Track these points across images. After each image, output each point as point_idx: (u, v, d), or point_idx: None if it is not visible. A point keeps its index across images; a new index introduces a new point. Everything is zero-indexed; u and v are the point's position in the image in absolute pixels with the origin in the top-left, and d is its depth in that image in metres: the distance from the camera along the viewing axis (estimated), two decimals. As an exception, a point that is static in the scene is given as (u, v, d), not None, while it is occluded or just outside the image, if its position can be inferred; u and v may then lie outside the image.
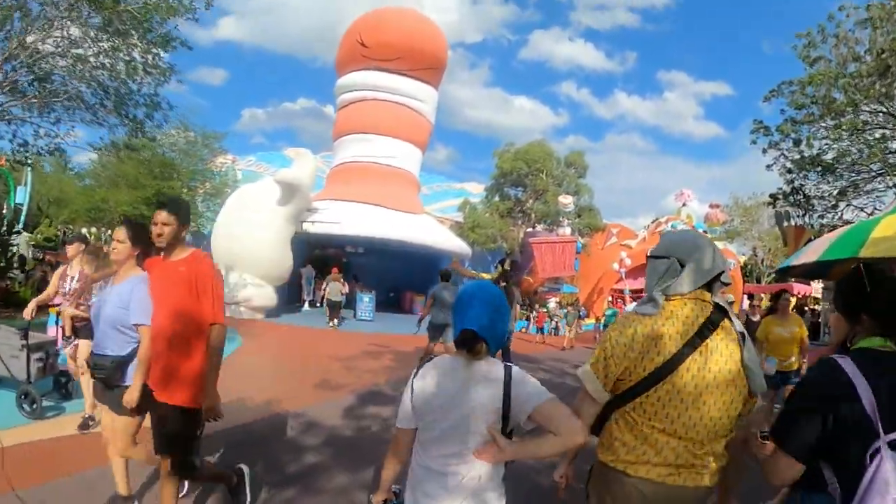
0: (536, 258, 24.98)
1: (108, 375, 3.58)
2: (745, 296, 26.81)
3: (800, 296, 34.56)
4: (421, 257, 22.42)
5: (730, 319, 2.24)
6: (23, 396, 6.03)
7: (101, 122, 12.54)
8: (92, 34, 11.52)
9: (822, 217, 17.37)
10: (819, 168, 16.96)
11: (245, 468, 4.16)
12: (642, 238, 29.45)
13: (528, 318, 23.44)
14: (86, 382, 5.75)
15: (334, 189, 23.19)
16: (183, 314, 3.35)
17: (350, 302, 20.87)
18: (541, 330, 20.23)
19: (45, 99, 11.87)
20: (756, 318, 9.74)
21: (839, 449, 1.92)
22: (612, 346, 2.22)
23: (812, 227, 16.13)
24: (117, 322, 3.58)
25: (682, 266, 2.27)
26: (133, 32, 11.44)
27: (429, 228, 22.91)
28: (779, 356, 7.23)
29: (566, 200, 25.61)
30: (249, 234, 17.23)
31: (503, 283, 10.41)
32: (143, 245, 3.64)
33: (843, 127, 15.79)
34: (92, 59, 11.75)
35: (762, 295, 26.22)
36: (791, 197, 17.54)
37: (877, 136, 16.22)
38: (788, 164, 17.53)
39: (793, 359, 7.32)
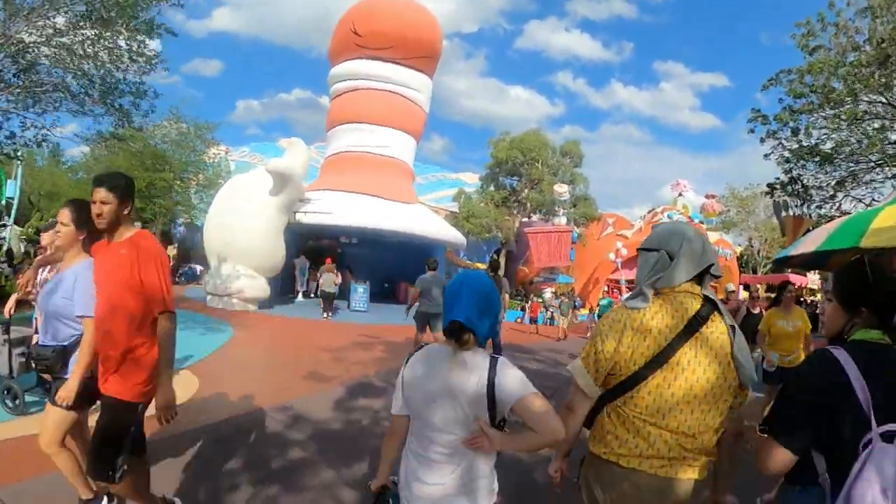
0: (532, 248, 24.87)
1: (50, 366, 3.37)
2: (742, 286, 26.70)
3: (796, 286, 34.55)
4: (415, 247, 22.23)
5: (720, 312, 2.25)
6: (5, 392, 5.87)
7: (87, 113, 12.32)
8: (76, 22, 11.28)
9: (819, 207, 17.26)
10: (817, 158, 16.83)
11: (177, 502, 3.87)
12: (638, 228, 29.37)
13: (523, 309, 23.34)
14: None
15: (328, 179, 23.01)
16: (123, 301, 3.07)
17: (344, 293, 20.75)
18: (534, 320, 20.02)
19: (29, 89, 11.65)
20: (756, 311, 9.54)
21: (833, 441, 1.92)
22: (602, 341, 2.23)
23: (810, 218, 16.00)
24: (61, 313, 3.37)
25: (672, 259, 2.28)
26: (117, 19, 11.20)
27: (423, 218, 22.74)
28: (781, 351, 7.03)
29: (561, 189, 25.47)
30: (241, 225, 17.05)
31: (492, 273, 10.34)
32: (89, 228, 3.32)
33: (843, 116, 15.65)
34: (77, 48, 11.51)
35: (758, 286, 26.14)
36: (789, 187, 17.43)
37: (875, 126, 16.09)
38: (786, 154, 17.40)
39: (795, 355, 7.03)
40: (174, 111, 30.55)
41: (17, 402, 5.78)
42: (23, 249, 19.25)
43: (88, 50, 11.56)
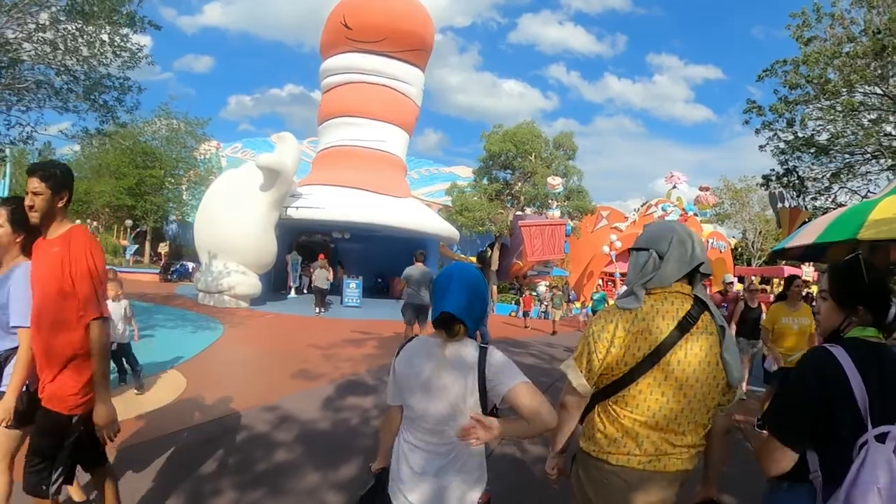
0: (526, 241, 24.72)
1: None
2: (737, 279, 26.63)
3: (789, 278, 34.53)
4: (409, 242, 22.04)
5: (710, 313, 2.26)
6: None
7: (71, 109, 12.09)
8: (57, 16, 11.05)
9: (815, 199, 17.21)
10: (812, 149, 16.76)
11: None
12: (632, 221, 29.32)
13: (517, 303, 23.22)
14: None
15: (319, 174, 22.86)
16: (55, 305, 2.78)
17: (337, 288, 20.61)
18: (526, 314, 19.83)
19: (11, 86, 11.42)
20: (755, 305, 9.36)
21: (828, 438, 1.92)
22: (595, 342, 2.25)
23: (806, 209, 15.92)
24: None
25: (662, 258, 2.30)
26: (99, 13, 10.96)
27: (416, 212, 22.60)
28: (783, 349, 6.68)
29: (555, 182, 25.31)
30: (232, 221, 16.88)
31: (480, 266, 10.27)
32: (26, 227, 2.98)
33: (838, 108, 15.56)
34: (59, 43, 11.28)
35: (752, 277, 26.12)
36: (784, 178, 17.36)
37: (871, 117, 16.01)
38: (781, 145, 17.32)
39: (798, 354, 6.46)
40: (164, 107, 30.42)
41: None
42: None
43: (71, 45, 11.33)
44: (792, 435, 1.97)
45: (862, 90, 15.43)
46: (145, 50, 12.29)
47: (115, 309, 7.12)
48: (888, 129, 16.02)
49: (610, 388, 2.26)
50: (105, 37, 11.50)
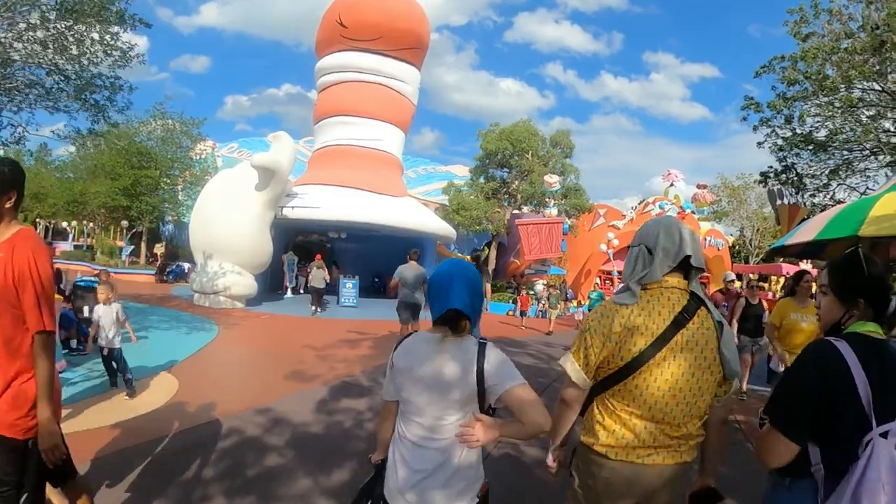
0: (523, 240, 24.60)
1: None
2: (735, 276, 26.56)
3: (788, 275, 34.49)
4: (405, 241, 21.87)
5: (706, 307, 2.29)
6: None
7: (63, 109, 11.94)
8: (46, 14, 10.89)
9: (813, 196, 17.13)
10: (811, 146, 16.67)
11: None
12: (630, 219, 29.22)
13: (514, 301, 23.10)
14: None
15: (315, 173, 22.68)
16: None
17: (333, 288, 20.50)
18: (523, 314, 19.65)
19: (1, 86, 11.28)
20: (755, 302, 9.23)
21: (830, 432, 1.92)
22: (592, 336, 2.31)
23: (805, 206, 15.85)
24: None
25: (651, 253, 2.35)
26: (88, 11, 10.80)
27: (413, 211, 22.43)
28: (790, 346, 6.38)
29: (552, 180, 25.18)
30: (227, 221, 16.74)
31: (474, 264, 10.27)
32: None
33: (836, 104, 15.47)
34: (50, 42, 11.13)
35: (750, 275, 26.04)
36: (783, 175, 17.29)
37: (869, 114, 15.93)
38: (779, 142, 17.24)
39: None
40: (159, 107, 30.28)
41: None
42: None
43: (61, 44, 11.18)
44: (794, 427, 1.96)
45: (860, 86, 15.34)
46: (137, 49, 12.12)
47: (106, 312, 7.00)
48: (887, 125, 15.95)
49: (608, 382, 2.31)
50: (95, 35, 11.35)
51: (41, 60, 11.26)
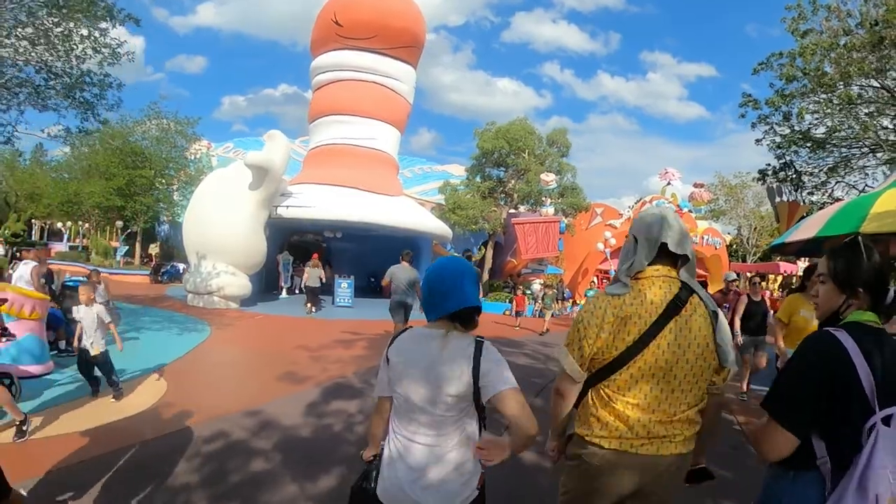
0: (519, 239, 24.45)
1: None
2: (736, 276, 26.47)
3: (786, 274, 34.45)
4: (401, 240, 21.71)
5: (699, 297, 2.31)
6: None
7: (52, 108, 11.77)
8: (35, 11, 10.73)
9: (811, 194, 17.04)
10: (809, 144, 16.57)
11: None
12: (627, 218, 29.01)
13: (511, 301, 22.94)
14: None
15: (310, 172, 22.53)
16: None
17: (329, 288, 20.36)
18: (519, 314, 19.35)
19: None
20: (758, 299, 9.03)
21: (834, 423, 1.88)
22: (585, 327, 2.32)
23: (804, 204, 15.74)
24: None
25: (636, 243, 2.40)
26: (74, 5, 10.64)
27: (409, 211, 22.29)
28: (794, 347, 6.27)
29: (548, 178, 25.01)
30: (221, 221, 16.59)
31: None
32: None
33: (835, 101, 15.36)
34: (39, 38, 10.97)
35: (748, 273, 25.92)
36: (782, 172, 17.19)
37: (868, 111, 15.84)
38: (777, 139, 17.14)
39: None
40: (154, 107, 30.12)
41: None
42: (0, 252, 18.78)
43: (50, 40, 11.03)
44: (794, 419, 1.92)
45: (859, 83, 15.24)
46: (128, 47, 11.97)
47: (87, 314, 6.69)
48: (885, 122, 15.86)
49: (602, 373, 2.32)
50: (84, 31, 11.19)
51: (29, 58, 11.11)
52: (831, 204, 11.94)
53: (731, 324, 8.73)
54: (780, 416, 1.94)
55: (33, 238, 50.44)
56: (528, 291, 23.26)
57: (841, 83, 14.87)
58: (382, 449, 2.38)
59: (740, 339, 8.75)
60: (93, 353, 6.59)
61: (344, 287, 20.31)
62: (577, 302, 23.23)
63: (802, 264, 30.91)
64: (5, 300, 7.01)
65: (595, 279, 28.02)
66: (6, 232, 23.88)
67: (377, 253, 23.72)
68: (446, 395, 2.13)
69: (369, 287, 25.55)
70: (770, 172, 17.59)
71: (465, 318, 2.23)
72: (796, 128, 16.71)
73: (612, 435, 2.27)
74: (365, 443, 2.49)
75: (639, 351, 2.22)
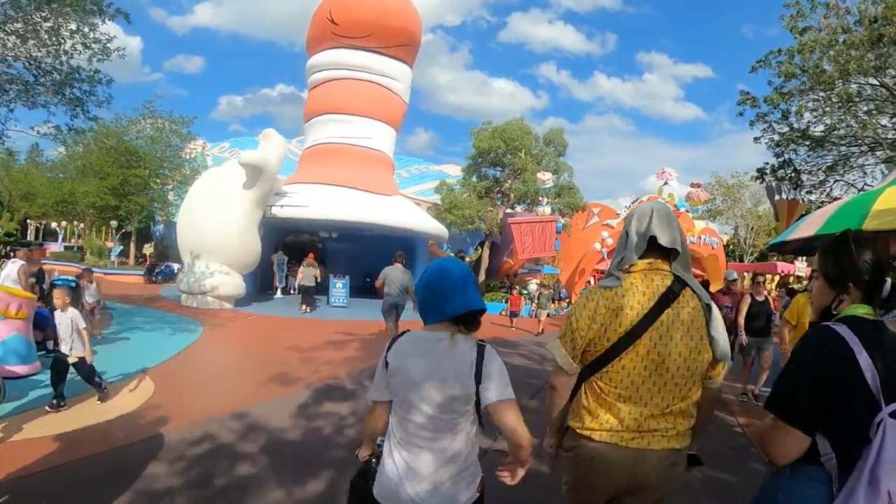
0: (516, 239, 24.29)
1: None
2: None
3: (783, 274, 34.37)
4: (397, 240, 21.57)
5: (692, 289, 2.31)
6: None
7: (41, 104, 11.60)
8: (24, 6, 10.57)
9: (809, 193, 16.94)
10: (808, 142, 16.47)
11: None
12: (624, 217, 28.93)
13: (507, 301, 22.81)
14: None
15: (306, 172, 22.39)
16: None
17: (323, 288, 20.22)
18: (514, 314, 19.11)
19: None
20: (761, 299, 8.73)
21: (837, 419, 1.84)
22: (577, 320, 2.33)
23: (803, 202, 15.64)
24: None
25: (628, 237, 2.42)
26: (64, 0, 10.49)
27: (404, 210, 22.13)
28: None
29: (545, 177, 24.84)
30: (215, 220, 16.44)
31: None
32: None
33: (834, 98, 15.26)
34: (28, 34, 10.81)
35: (745, 273, 25.85)
36: (780, 171, 17.09)
37: (866, 109, 15.74)
38: (776, 137, 17.03)
39: None
40: (149, 106, 29.95)
41: None
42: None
43: (39, 36, 10.86)
44: (801, 415, 1.88)
45: (857, 81, 15.14)
46: (118, 42, 11.79)
47: (62, 320, 6.37)
48: (884, 120, 15.76)
49: (594, 365, 2.32)
50: (73, 25, 11.03)
51: (18, 53, 10.94)
52: (830, 203, 11.84)
53: (735, 324, 8.58)
54: (786, 414, 1.90)
55: (29, 238, 50.33)
56: (525, 292, 23.12)
57: (840, 81, 14.77)
58: (379, 450, 2.40)
59: (744, 339, 8.56)
60: (71, 360, 6.31)
61: (339, 287, 20.15)
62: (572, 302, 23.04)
63: (800, 264, 30.86)
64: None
65: (592, 279, 27.89)
66: (-1, 231, 23.75)
67: (373, 253, 23.53)
68: (449, 400, 2.12)
69: (364, 287, 25.37)
70: (769, 171, 17.49)
71: (470, 320, 2.24)
72: (795, 126, 16.61)
73: (602, 428, 2.28)
74: (355, 445, 2.51)
75: (630, 342, 2.23)
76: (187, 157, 32.40)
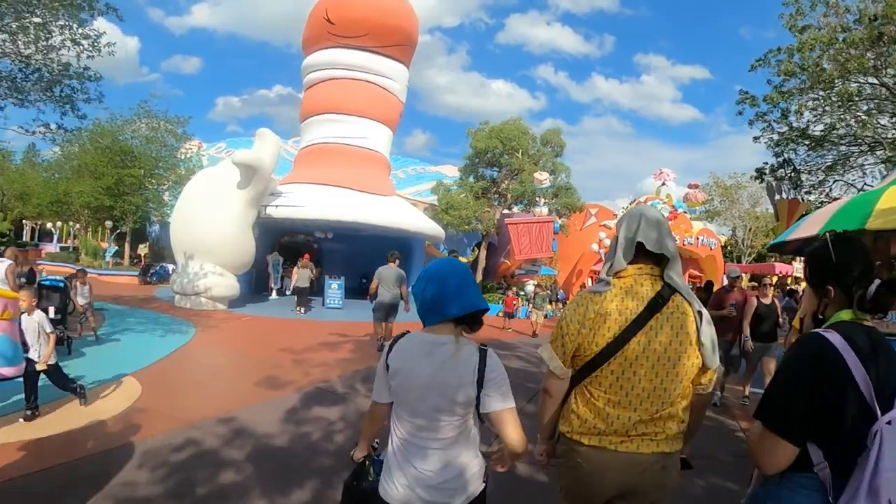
0: (513, 239, 24.13)
1: None
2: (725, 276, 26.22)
3: (781, 275, 34.27)
4: (393, 241, 21.39)
5: (683, 296, 2.29)
6: None
7: (32, 102, 11.42)
8: (14, 3, 10.41)
9: (808, 193, 16.82)
10: (807, 141, 16.35)
11: None
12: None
13: (502, 303, 22.65)
14: None
15: (301, 172, 22.23)
16: None
17: (320, 289, 20.07)
18: (509, 315, 18.87)
19: None
20: (767, 302, 8.56)
21: (832, 427, 1.78)
22: (567, 325, 2.33)
23: (803, 201, 15.51)
24: None
25: (617, 242, 2.42)
26: None
27: (401, 211, 21.97)
28: None
29: (542, 177, 24.70)
30: (209, 220, 16.29)
31: None
32: None
33: (834, 97, 15.13)
34: (17, 30, 10.64)
35: (742, 274, 25.69)
36: (780, 170, 16.98)
37: (865, 108, 15.63)
38: (775, 137, 16.91)
39: None
40: (144, 105, 29.79)
41: None
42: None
43: (28, 34, 10.69)
44: (793, 427, 1.83)
45: (857, 81, 15.02)
46: (107, 38, 11.61)
47: (29, 324, 6.07)
48: (883, 121, 15.64)
49: (584, 370, 2.31)
50: (62, 21, 10.85)
51: (7, 51, 10.77)
52: (829, 203, 11.70)
53: (741, 328, 8.39)
54: (776, 426, 1.85)
55: (24, 239, 50.17)
56: (522, 293, 22.96)
57: (839, 80, 14.64)
58: (375, 451, 2.47)
59: (751, 346, 8.31)
60: (39, 367, 5.97)
61: (334, 288, 19.97)
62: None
63: (799, 265, 30.72)
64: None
65: (589, 280, 27.77)
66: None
67: (368, 254, 23.37)
68: (453, 403, 2.11)
69: (360, 288, 25.23)
70: (768, 171, 17.37)
71: (472, 320, 2.23)
72: (794, 125, 16.50)
73: (591, 432, 2.28)
74: (343, 453, 2.49)
75: (619, 347, 2.22)
76: (183, 157, 32.21)
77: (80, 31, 11.14)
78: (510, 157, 25.90)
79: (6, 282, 7.55)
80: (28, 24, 10.67)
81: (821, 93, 15.47)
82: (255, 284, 21.84)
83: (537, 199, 25.32)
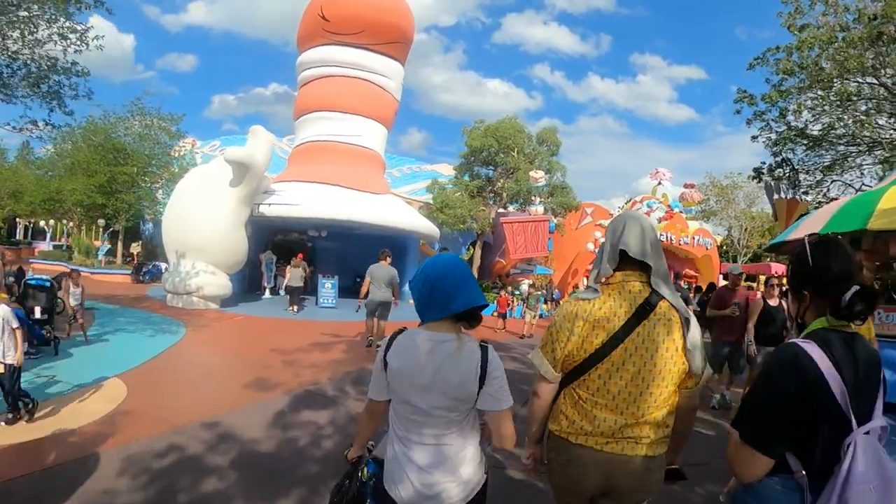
0: (508, 238, 24.01)
1: None
2: (722, 276, 26.13)
3: (777, 275, 34.20)
4: (387, 239, 21.23)
5: (670, 303, 2.31)
6: None
7: (19, 98, 11.23)
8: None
9: (806, 193, 16.72)
10: (805, 141, 16.25)
11: None
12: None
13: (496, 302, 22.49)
14: None
15: (295, 170, 22.07)
16: None
17: (312, 288, 19.92)
18: (503, 315, 18.64)
19: None
20: (774, 303, 8.06)
21: (808, 440, 1.80)
22: (557, 331, 2.37)
23: (802, 202, 15.40)
24: None
25: (604, 249, 2.45)
26: None
27: (395, 209, 21.80)
28: None
29: (537, 175, 24.59)
30: (201, 218, 16.09)
31: None
32: None
33: (832, 97, 15.02)
34: (6, 28, 10.46)
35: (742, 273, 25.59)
36: (778, 170, 16.87)
37: (864, 108, 15.54)
38: (773, 136, 16.81)
39: None
40: (137, 103, 29.58)
41: None
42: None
43: (17, 31, 10.51)
44: (768, 441, 1.83)
45: (856, 80, 14.91)
46: (95, 32, 11.41)
47: None
48: (881, 120, 15.55)
49: (574, 373, 2.36)
50: (48, 15, 10.67)
51: None
52: (827, 203, 11.57)
53: (745, 330, 8.03)
54: (753, 439, 1.86)
55: (18, 237, 49.92)
56: (517, 292, 22.82)
57: (838, 79, 14.53)
58: (371, 453, 2.45)
59: (754, 350, 7.86)
60: (13, 362, 5.57)
61: (328, 287, 19.81)
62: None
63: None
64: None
65: (585, 279, 27.66)
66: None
67: (362, 252, 23.18)
68: (455, 400, 2.12)
69: (354, 287, 25.07)
70: (765, 170, 17.27)
71: (471, 316, 2.23)
72: (793, 124, 16.40)
73: (578, 432, 2.33)
74: (332, 459, 2.54)
75: (606, 354, 2.27)
76: (176, 154, 31.99)
77: (66, 24, 10.95)
78: (506, 155, 25.78)
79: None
80: (15, 19, 10.49)
81: (819, 92, 15.36)
82: (248, 283, 21.67)
83: (533, 197, 25.21)
